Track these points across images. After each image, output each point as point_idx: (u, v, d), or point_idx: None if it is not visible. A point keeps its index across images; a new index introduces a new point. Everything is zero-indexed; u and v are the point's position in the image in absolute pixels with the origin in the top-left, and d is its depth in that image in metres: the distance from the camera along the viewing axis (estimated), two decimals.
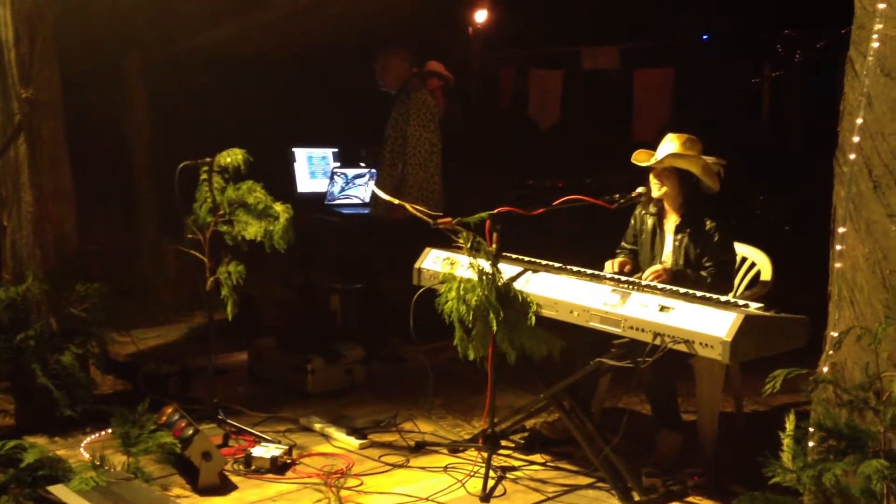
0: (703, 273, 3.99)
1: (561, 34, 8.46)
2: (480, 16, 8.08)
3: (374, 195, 4.98)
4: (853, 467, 1.97)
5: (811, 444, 2.22)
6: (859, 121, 2.28)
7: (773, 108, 8.53)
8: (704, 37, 8.72)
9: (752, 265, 4.41)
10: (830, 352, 2.32)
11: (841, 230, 2.32)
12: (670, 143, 4.05)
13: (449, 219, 3.76)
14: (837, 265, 2.34)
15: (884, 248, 2.24)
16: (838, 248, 2.33)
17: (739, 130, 8.24)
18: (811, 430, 2.25)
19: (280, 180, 6.08)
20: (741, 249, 4.43)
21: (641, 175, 4.22)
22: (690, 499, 3.71)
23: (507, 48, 8.75)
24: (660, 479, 3.76)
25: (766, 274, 4.32)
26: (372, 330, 5.59)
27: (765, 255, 4.38)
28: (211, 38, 6.47)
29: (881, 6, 2.23)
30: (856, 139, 2.29)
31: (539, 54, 8.91)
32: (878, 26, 2.22)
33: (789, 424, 2.17)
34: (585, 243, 5.28)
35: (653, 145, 4.20)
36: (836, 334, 2.30)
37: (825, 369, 2.30)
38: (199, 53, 6.60)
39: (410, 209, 3.83)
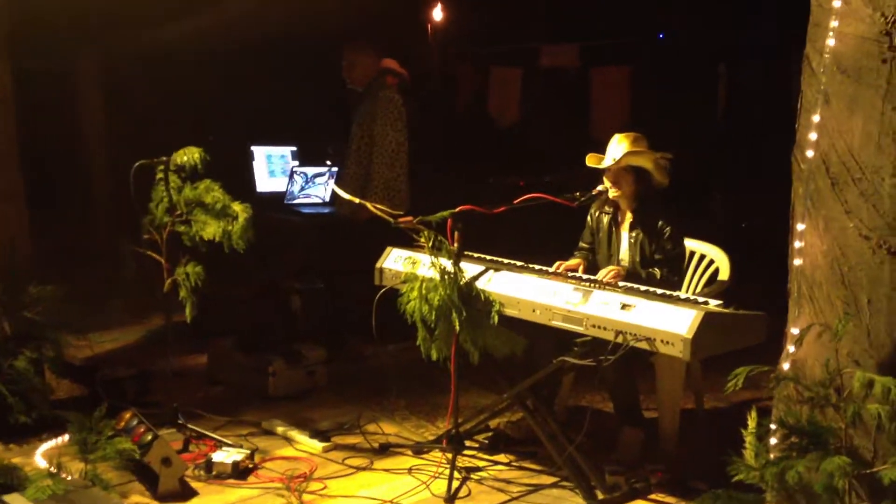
0: (653, 270, 4.02)
1: (520, 32, 8.46)
2: (437, 13, 8.06)
3: (336, 194, 4.93)
4: (815, 464, 1.98)
5: (773, 440, 2.23)
6: (816, 118, 2.29)
7: (729, 106, 8.61)
8: (660, 35, 8.78)
9: (711, 262, 4.45)
10: (791, 349, 2.34)
11: (799, 227, 2.34)
12: (620, 143, 4.08)
13: (410, 217, 3.74)
14: (796, 262, 2.36)
15: (842, 245, 2.25)
16: (797, 245, 2.35)
17: (695, 128, 8.31)
18: (773, 427, 2.26)
19: (239, 179, 6.02)
20: (700, 247, 4.47)
21: (598, 171, 4.23)
22: (653, 496, 3.72)
23: (467, 46, 8.73)
24: (623, 477, 3.77)
25: (725, 271, 4.36)
26: (334, 330, 5.54)
27: (723, 252, 4.41)
28: (168, 35, 6.38)
29: (836, 4, 2.25)
30: (813, 136, 2.30)
31: (498, 52, 8.90)
32: (834, 24, 2.24)
33: (751, 422, 2.18)
34: (546, 241, 5.27)
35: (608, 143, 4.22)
36: (796, 331, 2.32)
37: (786, 366, 2.31)
38: (157, 51, 6.50)
39: (371, 208, 3.80)
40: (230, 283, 5.87)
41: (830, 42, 2.25)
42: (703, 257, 4.46)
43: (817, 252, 2.28)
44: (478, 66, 9.14)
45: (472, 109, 9.23)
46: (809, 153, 2.31)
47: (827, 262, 2.26)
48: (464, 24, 8.14)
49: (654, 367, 4.12)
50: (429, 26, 7.89)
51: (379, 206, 3.80)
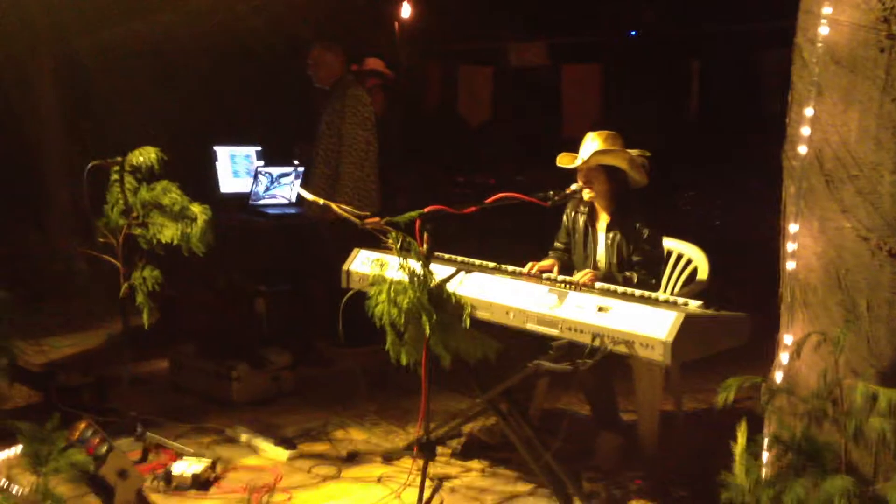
0: (630, 273, 3.90)
1: (489, 30, 8.35)
2: (405, 11, 7.92)
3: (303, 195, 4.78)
4: (814, 484, 1.85)
5: (766, 455, 2.10)
6: (809, 112, 2.15)
7: (701, 103, 8.57)
8: (632, 32, 8.70)
9: (689, 262, 4.34)
10: (784, 358, 2.20)
11: (792, 228, 2.19)
12: (592, 142, 3.96)
13: (377, 218, 3.61)
14: (789, 266, 2.21)
15: (838, 246, 2.12)
16: (790, 247, 2.21)
17: (668, 124, 8.24)
18: (766, 441, 2.13)
19: (202, 180, 5.85)
20: (678, 246, 4.37)
21: (573, 171, 4.12)
22: (632, 502, 3.61)
23: (435, 44, 8.61)
24: (601, 484, 3.68)
25: (703, 271, 4.26)
26: (300, 334, 5.39)
27: (701, 251, 4.31)
28: (126, 33, 6.19)
29: None
30: (805, 131, 2.16)
31: (467, 50, 8.79)
32: (827, 11, 2.10)
33: (741, 436, 2.05)
34: (517, 241, 5.16)
35: (581, 141, 4.10)
36: (788, 339, 2.18)
37: (778, 376, 2.18)
38: (115, 49, 6.31)
39: (337, 209, 3.66)
40: (192, 285, 5.70)
41: (823, 30, 2.11)
42: (680, 256, 4.36)
43: (811, 254, 2.14)
44: (447, 65, 9.02)
45: (442, 108, 9.10)
46: (802, 149, 2.16)
47: (822, 264, 2.12)
48: (432, 23, 8.01)
49: (631, 369, 4.01)
50: (396, 25, 7.75)
51: (345, 206, 3.66)
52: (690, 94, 8.58)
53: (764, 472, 2.05)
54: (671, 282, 4.34)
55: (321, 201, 3.89)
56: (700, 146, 8.24)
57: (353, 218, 3.60)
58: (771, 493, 1.85)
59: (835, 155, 2.11)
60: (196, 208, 3.85)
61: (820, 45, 2.12)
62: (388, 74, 6.24)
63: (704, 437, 4.41)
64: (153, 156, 3.83)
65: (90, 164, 3.84)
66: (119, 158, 3.87)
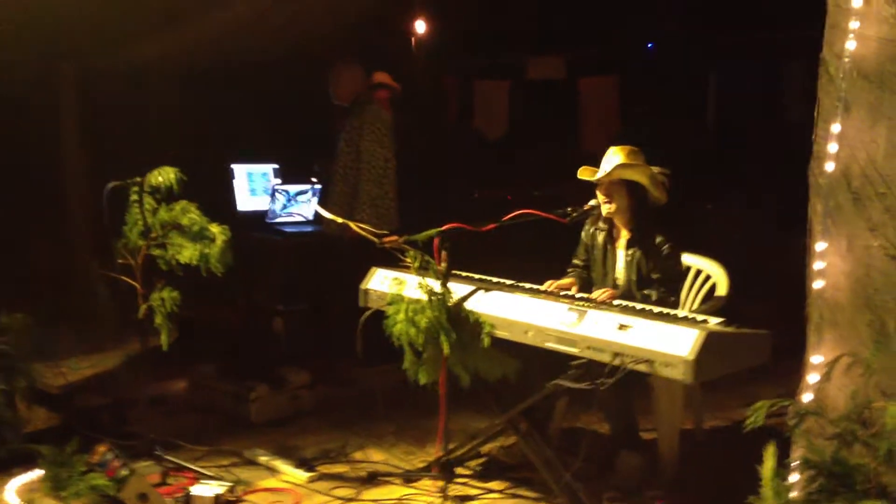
0: (649, 291, 3.86)
1: (506, 44, 8.35)
2: (420, 26, 7.93)
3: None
4: None
5: (794, 477, 2.06)
6: (836, 128, 2.12)
7: (719, 115, 8.52)
8: (649, 45, 8.68)
9: (707, 278, 4.30)
10: (811, 379, 2.16)
11: (819, 247, 2.16)
12: (615, 156, 3.93)
13: (395, 237, 3.59)
14: (816, 284, 2.18)
15: (866, 265, 2.08)
16: (817, 266, 2.17)
17: (685, 138, 8.20)
18: (794, 463, 2.09)
19: (219, 199, 5.86)
20: (697, 262, 4.33)
21: (590, 185, 4.09)
22: None
23: (452, 59, 8.61)
24: None
25: (722, 287, 4.22)
26: (318, 353, 5.37)
27: (721, 267, 4.27)
28: (147, 53, 6.21)
29: (856, 4, 2.07)
30: (832, 148, 2.13)
31: (484, 65, 8.79)
32: (854, 25, 2.07)
33: (768, 459, 2.01)
34: (532, 258, 5.13)
35: (601, 154, 4.08)
36: (817, 360, 2.15)
37: (806, 398, 2.14)
38: (135, 69, 6.34)
39: (355, 228, 3.65)
40: (210, 305, 5.71)
41: (850, 45, 2.07)
42: (699, 272, 4.32)
43: (839, 273, 2.11)
44: (463, 80, 9.02)
45: (459, 123, 9.10)
46: (829, 166, 2.13)
47: (850, 284, 2.09)
48: (449, 38, 8.02)
49: (651, 387, 3.96)
50: (413, 40, 7.76)
51: (363, 225, 3.65)
52: (708, 105, 8.54)
53: (792, 495, 2.01)
54: (690, 297, 4.30)
55: (339, 220, 3.89)
56: (718, 158, 8.19)
57: (371, 237, 3.59)
58: None
59: (862, 172, 2.08)
60: (215, 228, 3.85)
61: (847, 59, 2.09)
62: (395, 87, 6.23)
63: (725, 456, 4.36)
64: (172, 176, 3.83)
65: (110, 185, 3.84)
66: (138, 179, 3.87)
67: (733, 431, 4.75)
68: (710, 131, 8.64)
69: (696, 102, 8.66)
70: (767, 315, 3.61)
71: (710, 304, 4.13)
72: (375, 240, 3.60)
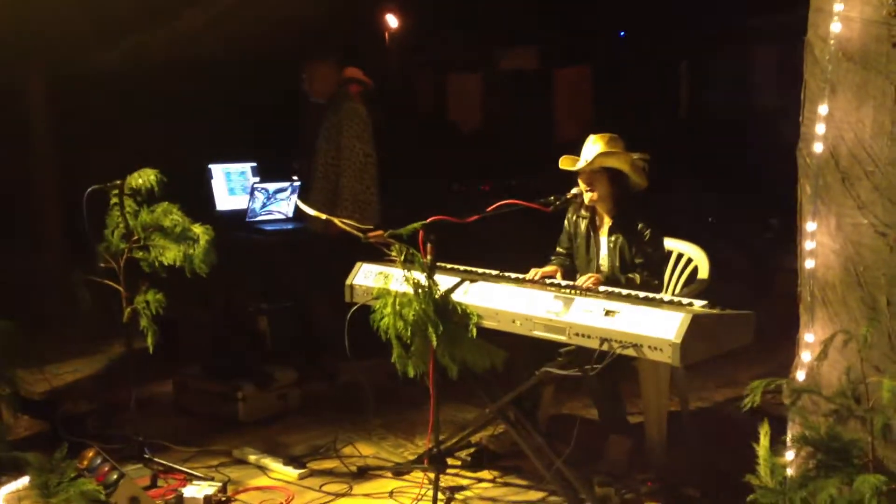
0: (633, 275, 3.90)
1: (478, 36, 8.36)
2: (392, 20, 7.92)
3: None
4: (845, 482, 1.85)
5: (789, 455, 2.10)
6: (823, 109, 2.15)
7: (692, 102, 8.59)
8: (621, 34, 8.72)
9: (689, 261, 4.34)
10: (805, 357, 2.19)
11: (809, 227, 2.19)
12: (594, 145, 3.95)
13: (380, 231, 3.59)
14: (807, 264, 2.21)
15: (856, 243, 2.11)
16: (808, 246, 2.20)
17: (658, 124, 8.26)
18: (790, 441, 2.13)
19: (197, 199, 5.82)
20: (679, 246, 4.37)
21: (567, 174, 4.12)
22: None
23: (425, 52, 8.61)
24: (613, 488, 3.65)
25: (704, 270, 4.26)
26: (304, 350, 5.37)
27: (702, 251, 4.31)
28: (117, 55, 6.17)
29: None
30: (820, 129, 2.16)
31: (457, 57, 8.79)
32: (838, 7, 2.10)
33: (763, 436, 2.05)
34: (513, 247, 5.15)
35: (576, 143, 4.10)
36: (809, 338, 2.18)
37: (800, 375, 2.18)
38: (106, 72, 6.29)
39: (339, 223, 3.65)
40: (191, 306, 5.68)
41: (835, 28, 2.10)
42: (681, 256, 4.36)
43: (829, 252, 2.14)
44: (437, 73, 9.02)
45: (433, 116, 9.10)
46: (817, 147, 2.16)
47: (840, 262, 2.12)
48: (421, 31, 8.02)
49: (636, 371, 4.00)
50: (386, 35, 7.75)
51: (347, 220, 3.65)
52: (680, 91, 8.60)
53: (788, 471, 2.05)
54: (672, 281, 4.34)
55: (323, 216, 3.88)
56: (691, 143, 8.26)
57: (355, 232, 3.59)
58: (804, 494, 1.85)
59: (850, 152, 2.11)
60: (198, 229, 3.82)
61: (832, 42, 2.12)
62: (367, 82, 6.21)
63: (711, 436, 4.42)
64: (152, 178, 3.80)
65: (89, 189, 3.81)
66: (118, 182, 3.84)
67: (716, 412, 4.83)
68: (681, 117, 8.70)
69: (668, 89, 8.72)
70: (740, 295, 3.66)
71: (693, 287, 4.17)
72: (360, 235, 3.60)
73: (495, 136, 8.72)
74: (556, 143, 8.53)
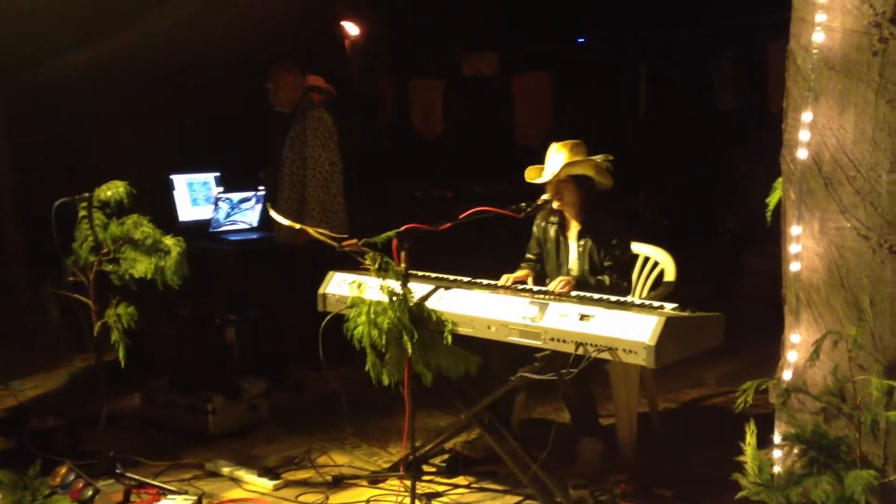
0: (602, 277, 3.96)
1: (439, 43, 8.39)
2: (353, 28, 7.92)
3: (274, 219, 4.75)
4: (837, 478, 1.91)
5: (777, 454, 2.15)
6: (806, 117, 2.21)
7: (650, 107, 8.70)
8: (580, 40, 8.81)
9: (655, 264, 4.41)
10: (791, 357, 2.25)
11: (794, 231, 2.25)
12: (559, 154, 4.00)
13: (354, 240, 3.60)
14: (792, 267, 2.27)
15: (839, 246, 2.18)
16: (793, 249, 2.26)
17: (618, 128, 8.36)
18: (779, 440, 2.18)
19: (160, 210, 5.77)
20: (645, 249, 4.44)
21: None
22: None
23: (385, 59, 8.62)
24: (587, 490, 3.70)
25: (670, 273, 4.33)
26: (272, 361, 5.34)
27: (668, 254, 4.39)
28: (75, 65, 6.08)
29: None
30: (804, 136, 2.22)
31: (418, 64, 8.82)
32: (821, 18, 2.17)
33: (750, 435, 2.10)
34: (477, 253, 5.20)
35: (536, 150, 4.16)
36: (795, 338, 2.24)
37: (786, 375, 2.23)
38: (63, 82, 6.20)
39: (313, 233, 3.65)
40: (155, 318, 5.62)
41: (817, 37, 2.17)
42: (647, 259, 4.43)
43: (813, 255, 2.20)
44: (398, 80, 9.03)
45: (395, 123, 9.11)
46: (801, 153, 2.22)
47: (824, 264, 2.18)
48: (382, 38, 8.02)
49: (607, 374, 4.06)
50: (347, 42, 7.74)
51: (321, 230, 3.65)
52: (639, 97, 8.72)
53: (776, 469, 2.10)
54: (640, 284, 4.40)
55: (297, 226, 3.89)
56: (649, 148, 8.37)
57: (330, 241, 3.60)
58: (800, 490, 1.90)
59: (832, 157, 2.17)
60: (169, 241, 3.80)
61: (815, 51, 2.18)
62: (329, 90, 6.21)
63: (680, 436, 4.50)
64: (122, 190, 3.77)
65: (58, 202, 3.76)
66: (86, 194, 3.80)
67: (684, 413, 4.91)
68: (641, 122, 8.81)
69: (628, 95, 8.82)
70: (703, 297, 3.73)
71: (660, 289, 4.24)
72: (334, 244, 3.60)
73: (458, 143, 8.76)
74: (517, 147, 8.58)
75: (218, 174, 6.25)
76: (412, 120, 8.93)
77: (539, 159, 4.13)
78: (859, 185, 2.12)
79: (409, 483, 3.70)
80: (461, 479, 3.97)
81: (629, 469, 3.95)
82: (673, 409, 4.92)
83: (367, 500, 3.79)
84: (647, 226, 7.95)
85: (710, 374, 5.40)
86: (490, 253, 5.45)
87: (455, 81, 8.76)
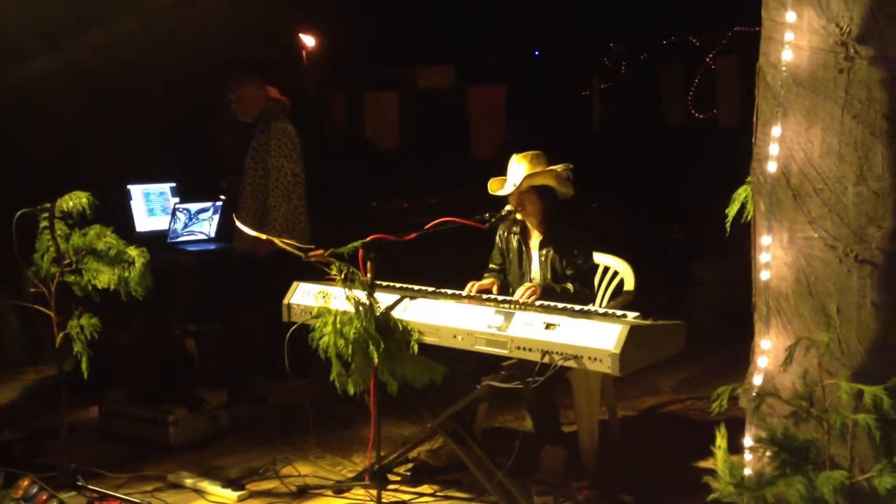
0: (567, 285, 4.03)
1: (394, 55, 8.44)
2: (308, 40, 7.93)
3: (237, 229, 4.74)
4: (808, 479, 1.99)
5: (748, 457, 2.23)
6: (775, 131, 2.30)
7: (603, 119, 8.84)
8: (536, 53, 8.94)
9: (615, 274, 4.50)
10: (761, 363, 2.33)
11: (765, 241, 2.34)
12: (519, 165, 4.07)
13: (320, 251, 3.62)
14: (763, 276, 2.35)
15: (807, 255, 2.27)
16: (762, 258, 2.35)
17: (572, 140, 8.48)
18: (750, 443, 2.26)
19: (117, 221, 5.71)
20: (605, 259, 4.52)
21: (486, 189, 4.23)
22: None
23: (340, 72, 8.64)
24: (551, 497, 3.75)
25: (629, 283, 4.42)
26: (232, 371, 5.32)
27: (627, 264, 4.48)
28: (28, 73, 5.99)
29: (789, 18, 2.27)
30: (772, 150, 2.31)
31: (373, 76, 8.85)
32: (789, 37, 2.27)
33: (720, 438, 2.17)
34: (432, 264, 5.24)
35: (491, 162, 4.23)
36: (766, 344, 2.32)
37: (756, 380, 2.32)
38: (17, 90, 6.11)
39: (279, 243, 3.66)
40: (111, 329, 5.55)
41: (786, 55, 2.27)
42: (607, 269, 4.52)
43: (782, 264, 2.29)
44: (352, 92, 9.06)
45: (348, 135, 9.13)
46: (771, 166, 2.31)
47: (792, 273, 2.27)
48: (337, 50, 8.05)
49: (568, 383, 4.12)
50: (304, 53, 7.75)
51: (287, 241, 3.66)
52: (594, 109, 8.85)
53: (746, 471, 2.17)
54: (599, 294, 4.49)
55: (263, 236, 3.89)
56: (602, 160, 8.51)
57: (296, 252, 3.61)
58: (775, 490, 1.97)
59: (800, 170, 2.27)
60: (133, 251, 3.79)
61: (783, 68, 2.28)
62: (284, 101, 6.21)
63: (639, 443, 4.59)
64: (84, 200, 3.74)
65: (19, 212, 3.72)
66: (48, 205, 3.76)
67: (642, 420, 5.01)
68: (595, 132, 8.96)
69: (582, 107, 8.96)
70: (659, 306, 3.82)
71: (620, 299, 4.33)
72: (301, 254, 3.61)
73: (412, 154, 8.81)
74: (472, 159, 8.66)
75: (174, 184, 6.20)
76: (366, 130, 8.96)
77: (495, 171, 4.20)
78: (826, 196, 2.22)
79: (374, 492, 3.72)
80: (426, 488, 4.00)
81: (591, 475, 4.01)
82: (631, 416, 5.01)
83: None
84: (599, 236, 8.06)
85: (665, 383, 5.51)
86: (447, 261, 5.51)
87: (410, 93, 8.81)
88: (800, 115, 2.24)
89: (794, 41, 2.25)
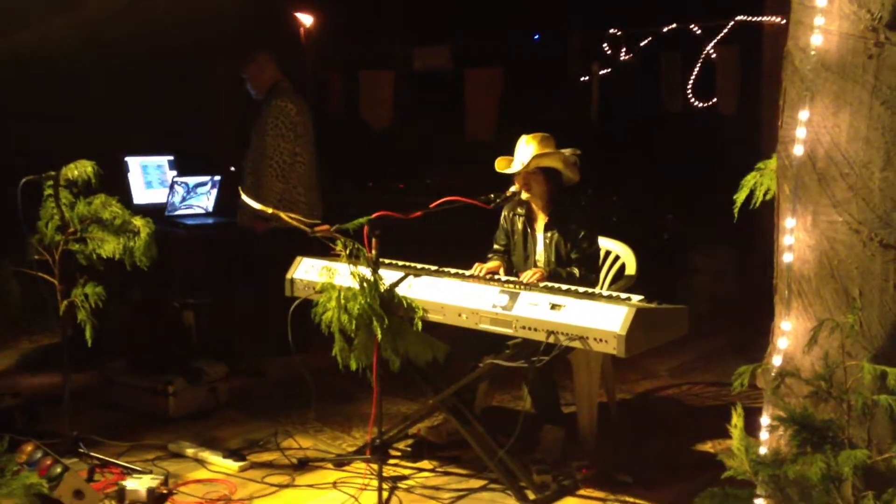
0: (572, 269, 4.05)
1: (392, 35, 8.42)
2: (306, 19, 7.90)
3: (241, 202, 4.74)
4: (828, 457, 2.03)
5: (763, 435, 2.27)
6: (803, 115, 2.33)
7: (602, 105, 8.86)
8: (536, 36, 8.93)
9: (617, 258, 4.54)
10: (781, 344, 2.36)
11: (788, 224, 2.37)
12: (528, 146, 4.08)
13: (326, 226, 3.63)
14: (785, 258, 2.39)
15: (830, 238, 2.30)
16: (786, 241, 2.38)
17: (569, 126, 8.49)
18: (768, 421, 2.30)
19: (115, 192, 5.70)
20: (607, 244, 4.55)
21: (484, 173, 4.24)
22: (582, 491, 3.77)
23: (337, 51, 8.62)
24: (550, 475, 3.80)
25: (631, 267, 4.46)
26: (230, 345, 5.33)
27: (629, 248, 4.51)
28: (21, 42, 5.94)
29: (820, 3, 2.30)
30: (799, 133, 2.34)
31: (370, 56, 8.83)
32: (819, 21, 2.30)
33: (737, 417, 2.21)
34: (433, 244, 5.26)
35: (485, 144, 4.24)
36: (786, 326, 2.36)
37: (776, 361, 2.36)
38: (16, 59, 6.06)
39: (286, 218, 3.67)
40: (111, 300, 5.55)
41: (815, 40, 2.29)
42: (608, 253, 4.55)
43: (805, 247, 2.33)
44: (348, 71, 9.03)
45: (345, 114, 9.11)
46: (797, 150, 2.34)
47: (815, 256, 2.31)
48: (335, 29, 8.02)
49: (569, 364, 4.16)
50: (302, 31, 7.72)
51: (294, 215, 3.68)
52: (591, 95, 8.86)
53: (762, 450, 2.22)
54: (601, 277, 4.52)
55: (270, 210, 3.90)
56: (599, 146, 8.53)
57: (303, 227, 3.63)
58: (796, 468, 2.01)
59: (826, 154, 2.30)
60: (138, 221, 3.79)
61: (812, 53, 2.31)
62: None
63: (636, 425, 4.64)
64: (89, 169, 3.74)
65: (23, 180, 3.72)
66: (52, 173, 3.76)
67: (639, 403, 5.06)
68: (593, 119, 8.97)
69: (581, 93, 8.97)
70: (666, 290, 3.87)
71: (622, 282, 4.36)
72: (307, 229, 3.63)
73: (407, 135, 8.80)
74: (467, 141, 8.66)
75: (171, 158, 6.19)
76: (360, 110, 8.94)
77: (490, 153, 4.20)
78: (852, 181, 2.26)
79: (375, 466, 3.74)
80: (426, 464, 4.04)
81: (590, 455, 4.06)
82: (629, 399, 5.06)
83: (334, 483, 3.83)
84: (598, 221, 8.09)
85: (662, 367, 5.57)
86: (446, 241, 5.52)
87: (406, 74, 8.80)
88: (827, 99, 2.27)
89: (823, 25, 2.28)
